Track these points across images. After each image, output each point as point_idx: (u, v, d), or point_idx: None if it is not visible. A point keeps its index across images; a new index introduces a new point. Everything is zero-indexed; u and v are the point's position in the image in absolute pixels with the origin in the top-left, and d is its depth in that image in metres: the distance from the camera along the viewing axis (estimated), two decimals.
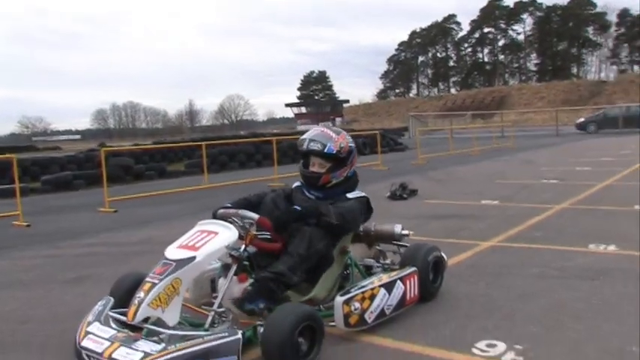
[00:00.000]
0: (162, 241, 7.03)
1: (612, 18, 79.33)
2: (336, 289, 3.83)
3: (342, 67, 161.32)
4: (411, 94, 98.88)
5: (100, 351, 3.02)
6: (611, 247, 5.63)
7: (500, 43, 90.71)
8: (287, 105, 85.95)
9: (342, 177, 3.98)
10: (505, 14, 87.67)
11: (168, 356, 2.83)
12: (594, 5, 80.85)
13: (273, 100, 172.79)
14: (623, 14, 78.31)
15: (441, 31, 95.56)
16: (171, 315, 3.14)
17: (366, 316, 3.59)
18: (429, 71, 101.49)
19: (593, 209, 7.96)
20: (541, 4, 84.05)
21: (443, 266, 4.42)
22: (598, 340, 3.37)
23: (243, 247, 3.52)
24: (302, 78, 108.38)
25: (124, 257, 6.42)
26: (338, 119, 74.72)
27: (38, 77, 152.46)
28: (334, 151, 3.84)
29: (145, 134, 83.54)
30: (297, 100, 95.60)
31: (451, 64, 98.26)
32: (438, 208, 8.76)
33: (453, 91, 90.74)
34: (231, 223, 3.58)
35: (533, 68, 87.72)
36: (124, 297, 3.51)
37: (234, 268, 3.48)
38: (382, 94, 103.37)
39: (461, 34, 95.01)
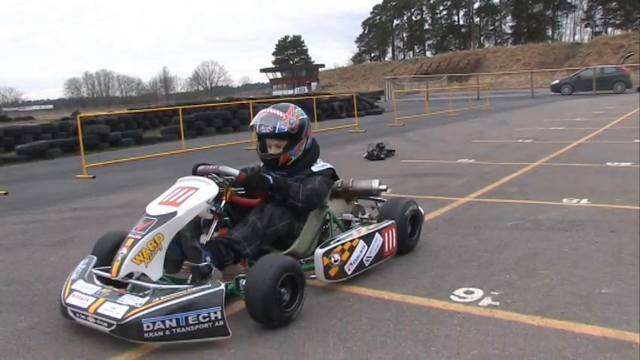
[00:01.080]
0: (143, 204, 7.01)
1: None
2: (315, 243, 3.91)
3: (317, 31, 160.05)
4: (386, 58, 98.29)
5: (85, 306, 3.08)
6: (584, 201, 5.81)
7: (476, 5, 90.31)
8: (262, 70, 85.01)
9: (300, 152, 3.96)
10: None
11: (153, 308, 2.90)
12: None
13: (248, 65, 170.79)
14: None
15: None
16: (155, 270, 3.19)
17: (346, 267, 3.68)
18: (405, 35, 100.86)
19: (567, 166, 8.15)
20: None
21: (420, 219, 4.53)
22: (569, 285, 3.52)
23: (223, 202, 3.56)
24: (277, 43, 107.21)
25: (106, 220, 6.45)
26: (313, 84, 74.32)
27: (6, 46, 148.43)
28: (285, 130, 3.80)
29: (119, 102, 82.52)
30: (272, 66, 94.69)
31: (426, 27, 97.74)
32: (415, 167, 8.87)
33: (428, 54, 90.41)
34: (211, 179, 3.61)
35: (509, 31, 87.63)
36: (106, 255, 3.55)
37: (214, 223, 3.52)
38: (358, 58, 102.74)
39: None
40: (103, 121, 18.40)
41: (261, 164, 4.13)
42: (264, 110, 3.97)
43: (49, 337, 3.24)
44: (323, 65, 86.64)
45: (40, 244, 5.56)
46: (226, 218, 3.64)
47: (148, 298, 3.01)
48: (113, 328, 2.92)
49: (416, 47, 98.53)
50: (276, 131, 3.80)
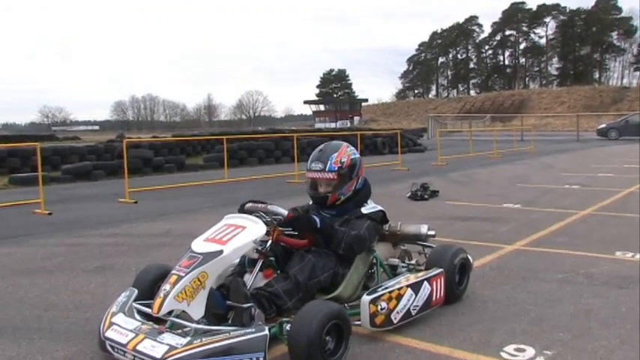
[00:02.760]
0: (183, 234, 7.16)
1: (637, 23, 78.36)
2: (360, 288, 3.82)
3: (361, 65, 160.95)
4: (429, 95, 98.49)
5: (124, 342, 3.02)
6: (639, 256, 5.54)
7: (522, 46, 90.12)
8: (306, 102, 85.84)
9: (350, 191, 3.94)
10: (527, 17, 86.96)
11: (193, 350, 2.80)
12: (619, 10, 79.94)
13: (291, 97, 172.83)
14: None
15: (462, 32, 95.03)
16: (197, 309, 3.11)
17: (392, 316, 3.56)
18: (449, 72, 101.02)
19: (618, 216, 7.85)
20: (565, 7, 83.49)
21: (469, 268, 4.38)
22: (630, 349, 3.30)
23: (269, 242, 3.50)
24: (321, 75, 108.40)
25: (146, 249, 6.43)
26: (356, 118, 74.59)
27: (58, 66, 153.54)
28: (335, 169, 3.81)
29: (163, 127, 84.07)
30: (315, 98, 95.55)
31: (471, 65, 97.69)
32: (459, 210, 8.69)
33: (472, 93, 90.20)
34: (258, 217, 3.55)
35: (555, 72, 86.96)
36: (147, 289, 3.53)
37: (259, 263, 3.46)
38: (401, 94, 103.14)
39: (482, 35, 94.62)
40: (146, 146, 18.70)
41: (310, 202, 4.09)
42: (317, 149, 3.99)
43: None
44: (366, 100, 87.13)
45: (80, 269, 5.55)
46: (272, 258, 3.56)
47: (189, 338, 2.92)
48: None
49: (460, 86, 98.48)
50: (327, 169, 3.81)
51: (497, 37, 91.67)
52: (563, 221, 7.46)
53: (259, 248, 3.43)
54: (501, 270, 5.10)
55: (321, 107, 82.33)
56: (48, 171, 15.74)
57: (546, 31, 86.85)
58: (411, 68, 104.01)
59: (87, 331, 3.74)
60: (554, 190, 10.94)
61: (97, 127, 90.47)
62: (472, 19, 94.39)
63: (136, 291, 3.56)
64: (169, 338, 2.95)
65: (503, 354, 3.25)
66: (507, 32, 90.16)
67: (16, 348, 3.51)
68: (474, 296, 4.32)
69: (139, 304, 3.38)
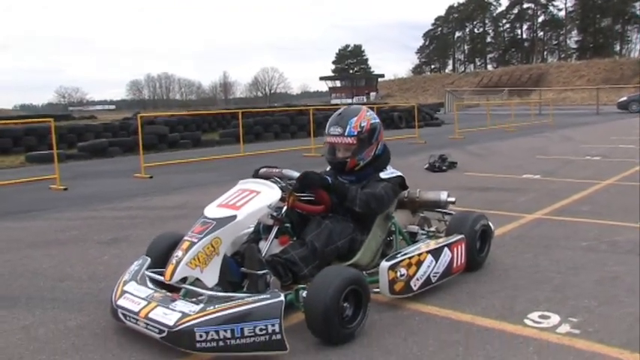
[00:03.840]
0: (199, 206, 6.95)
1: None
2: (379, 255, 3.72)
3: (377, 41, 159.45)
4: (446, 70, 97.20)
5: (136, 310, 2.95)
6: None
7: (540, 19, 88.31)
8: (321, 78, 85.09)
9: (370, 157, 3.80)
10: None
11: (207, 317, 2.72)
12: None
13: (307, 73, 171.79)
14: None
15: (479, 6, 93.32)
16: (210, 275, 3.02)
17: (412, 283, 3.45)
18: (466, 47, 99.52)
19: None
20: None
21: (490, 235, 4.26)
22: None
23: (284, 208, 3.38)
24: (337, 52, 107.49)
25: (161, 220, 6.39)
26: (372, 94, 73.96)
27: (75, 47, 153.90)
28: (355, 133, 3.67)
29: (178, 105, 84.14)
30: (331, 74, 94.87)
31: (488, 40, 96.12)
32: (478, 181, 8.54)
33: (489, 67, 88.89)
34: (273, 182, 3.44)
35: (574, 45, 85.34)
36: (160, 257, 3.44)
37: (275, 229, 3.35)
38: (417, 70, 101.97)
39: (499, 9, 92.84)
40: (162, 122, 18.66)
41: (328, 168, 3.98)
42: (336, 113, 3.85)
43: (98, 339, 3.13)
44: (382, 75, 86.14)
45: (94, 241, 5.53)
46: (287, 225, 3.44)
47: (202, 305, 2.83)
48: (164, 334, 2.76)
49: (477, 60, 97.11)
50: (346, 134, 3.68)
51: (515, 11, 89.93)
52: (584, 191, 7.29)
53: (274, 214, 3.31)
54: (522, 238, 4.97)
55: (337, 83, 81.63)
56: (64, 149, 15.80)
57: (565, 3, 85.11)
58: (427, 43, 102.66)
59: (100, 301, 3.69)
60: (574, 161, 10.73)
61: (113, 107, 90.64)
62: None
63: (149, 259, 3.48)
64: (182, 305, 2.86)
65: (527, 321, 3.14)
66: (525, 5, 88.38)
67: (30, 317, 3.49)
68: (495, 264, 4.21)
69: (152, 271, 3.31)
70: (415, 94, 73.55)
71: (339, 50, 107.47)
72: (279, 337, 2.69)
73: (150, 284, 3.22)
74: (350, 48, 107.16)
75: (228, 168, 11.51)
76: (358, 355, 2.80)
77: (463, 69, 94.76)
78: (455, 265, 3.80)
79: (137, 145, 16.44)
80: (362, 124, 3.72)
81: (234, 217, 3.12)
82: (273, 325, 2.69)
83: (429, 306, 3.44)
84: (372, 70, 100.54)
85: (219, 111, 25.10)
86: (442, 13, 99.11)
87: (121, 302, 3.09)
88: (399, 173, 3.91)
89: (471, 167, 10.21)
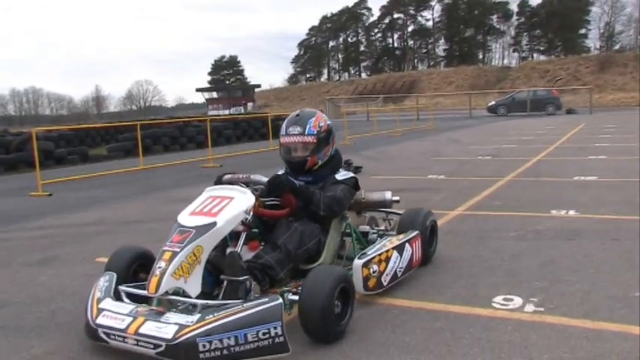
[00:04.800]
0: (119, 221, 6.89)
1: (514, 7, 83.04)
2: (336, 256, 3.84)
3: (252, 52, 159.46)
4: (322, 79, 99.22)
5: (122, 327, 2.83)
6: (572, 212, 5.96)
7: (410, 28, 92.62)
8: (198, 90, 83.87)
9: (327, 157, 3.89)
10: (414, 0, 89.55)
11: (209, 326, 2.68)
12: None
13: (182, 85, 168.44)
14: (523, 4, 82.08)
15: (352, 16, 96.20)
16: (194, 285, 2.97)
17: (383, 278, 3.60)
18: (340, 56, 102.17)
19: (537, 180, 8.38)
20: None
21: (436, 230, 4.53)
22: (602, 289, 3.58)
23: (251, 213, 3.32)
24: (213, 62, 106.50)
25: (83, 238, 6.12)
26: (250, 104, 73.96)
27: None
28: (314, 132, 3.75)
29: (49, 121, 79.43)
30: (208, 85, 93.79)
31: (362, 48, 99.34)
32: (388, 183, 8.87)
33: (363, 75, 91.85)
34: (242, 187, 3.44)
35: (442, 54, 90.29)
36: (123, 271, 3.38)
37: (243, 235, 3.33)
38: (293, 79, 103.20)
39: (371, 19, 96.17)
40: (42, 138, 17.64)
41: (281, 171, 4.01)
42: (292, 114, 3.94)
43: None
44: (259, 85, 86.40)
45: (20, 263, 5.18)
46: (255, 230, 3.45)
47: (199, 315, 2.78)
48: (161, 349, 2.68)
49: (351, 69, 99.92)
50: (306, 132, 3.74)
51: (386, 20, 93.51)
52: (490, 188, 7.84)
53: (242, 219, 3.29)
54: (455, 233, 5.30)
55: (214, 95, 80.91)
56: None
57: (432, 14, 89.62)
58: (302, 53, 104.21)
59: (59, 324, 3.53)
60: (469, 161, 11.46)
61: None
62: (361, 3, 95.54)
63: (115, 274, 3.35)
64: (175, 317, 2.80)
65: (494, 305, 3.41)
66: (395, 15, 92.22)
67: None
68: (442, 257, 4.48)
69: (127, 286, 3.21)
70: (292, 104, 74.39)
71: (215, 61, 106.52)
72: (282, 339, 2.72)
73: (126, 299, 3.13)
74: (225, 59, 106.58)
75: (128, 182, 11.16)
76: (356, 350, 2.90)
77: (338, 77, 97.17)
78: (414, 259, 4.00)
79: (21, 162, 15.66)
80: (320, 124, 3.81)
81: (214, 223, 3.08)
82: (275, 328, 2.71)
83: (399, 299, 3.61)
84: (248, 80, 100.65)
85: (114, 124, 24.21)
86: (316, 22, 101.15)
87: (101, 321, 2.95)
88: (352, 175, 4.02)
89: (375, 171, 10.56)
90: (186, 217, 3.20)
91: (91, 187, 10.67)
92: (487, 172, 9.41)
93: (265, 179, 3.53)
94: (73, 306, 3.81)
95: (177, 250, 2.97)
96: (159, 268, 2.94)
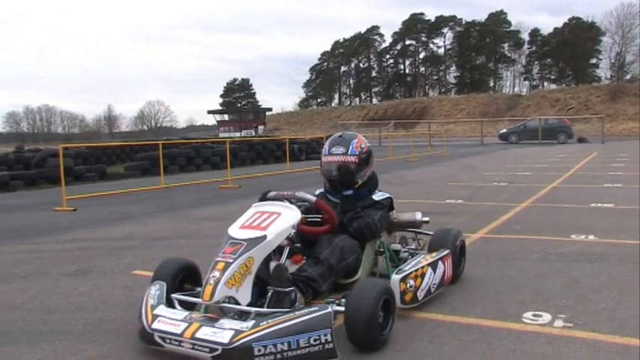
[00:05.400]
0: (148, 237, 7.11)
1: (525, 36, 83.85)
2: (369, 273, 4.02)
3: (263, 75, 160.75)
4: (333, 104, 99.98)
5: (178, 332, 2.99)
6: (591, 237, 6.12)
7: (422, 55, 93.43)
8: (209, 112, 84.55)
9: (366, 177, 4.12)
10: (426, 28, 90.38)
11: (264, 331, 2.85)
12: (509, 23, 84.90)
13: (193, 107, 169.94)
14: (534, 33, 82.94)
15: (364, 41, 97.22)
16: (245, 294, 3.16)
17: (418, 293, 3.79)
18: (351, 81, 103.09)
19: (555, 207, 8.53)
20: (461, 19, 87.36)
21: (465, 250, 4.74)
22: (626, 308, 3.73)
23: (294, 230, 3.52)
24: (225, 85, 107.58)
25: (117, 251, 6.31)
26: (261, 127, 74.49)
27: None
28: (357, 153, 3.99)
29: (61, 139, 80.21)
30: (219, 107, 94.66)
31: (373, 74, 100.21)
32: (408, 206, 9.00)
33: (374, 101, 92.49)
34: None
35: (453, 81, 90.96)
36: (171, 281, 3.57)
37: (287, 249, 3.49)
38: (304, 103, 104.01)
39: (383, 45, 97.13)
40: (67, 154, 18.00)
41: (320, 190, 4.27)
42: (335, 135, 4.21)
43: None
44: (270, 109, 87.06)
45: (57, 273, 5.36)
46: (298, 245, 3.62)
47: (254, 321, 2.95)
48: (217, 353, 2.84)
49: (362, 94, 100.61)
50: (349, 153, 3.99)
51: (398, 47, 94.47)
52: (509, 213, 8.01)
53: (289, 234, 3.47)
54: (479, 254, 5.46)
55: (225, 117, 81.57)
56: None
57: (444, 41, 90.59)
58: (313, 77, 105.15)
59: (107, 330, 3.70)
60: (485, 187, 11.63)
61: None
62: (373, 29, 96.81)
63: (165, 283, 3.54)
64: (230, 323, 2.97)
65: (524, 320, 3.57)
66: (407, 42, 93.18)
67: (40, 350, 3.36)
68: (470, 277, 4.65)
69: (181, 294, 3.43)
70: (303, 128, 74.97)
71: (227, 84, 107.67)
72: (331, 345, 2.88)
73: (179, 307, 3.32)
74: (238, 82, 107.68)
75: (150, 200, 11.39)
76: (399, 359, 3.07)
77: (349, 102, 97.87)
78: (446, 276, 4.19)
79: (41, 178, 15.97)
80: (362, 146, 4.06)
81: (265, 237, 3.28)
82: (325, 335, 2.87)
83: (433, 314, 3.78)
84: (259, 103, 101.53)
85: (137, 142, 24.66)
86: (328, 48, 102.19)
87: (157, 325, 3.12)
88: (388, 195, 4.28)
89: (395, 194, 10.69)
90: (237, 230, 3.40)
91: (115, 204, 10.91)
92: (504, 198, 9.58)
93: (310, 196, 3.76)
94: (117, 314, 4.00)
95: (231, 261, 3.16)
96: (213, 277, 3.12)
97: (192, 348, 2.92)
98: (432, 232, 4.77)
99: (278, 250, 3.50)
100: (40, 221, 9.00)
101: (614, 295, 4.03)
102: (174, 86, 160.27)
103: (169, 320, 3.12)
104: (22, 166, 18.33)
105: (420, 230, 4.88)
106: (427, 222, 4.81)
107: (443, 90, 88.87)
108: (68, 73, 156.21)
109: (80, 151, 21.80)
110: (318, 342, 2.87)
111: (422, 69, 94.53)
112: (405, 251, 4.58)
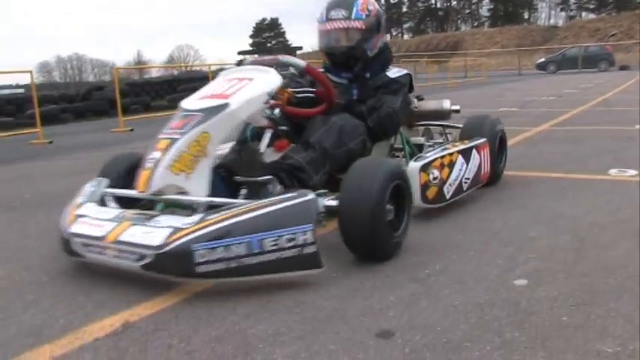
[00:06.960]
0: None
1: None
2: None
3: (292, 14, 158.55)
4: None
5: (99, 235, 2.18)
6: None
7: None
8: (240, 52, 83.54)
9: (377, 49, 3.14)
10: None
11: (209, 228, 2.01)
12: None
13: (221, 50, 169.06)
14: None
15: None
16: (198, 184, 2.27)
17: (445, 189, 2.94)
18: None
19: (610, 110, 8.53)
20: None
21: (506, 143, 3.87)
22: None
23: (278, 108, 2.65)
24: (254, 25, 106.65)
25: None
26: None
27: None
28: (363, 16, 3.00)
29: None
30: (249, 48, 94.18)
31: (404, 9, 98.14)
32: (466, 113, 9.10)
33: (406, 37, 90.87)
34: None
35: (486, 14, 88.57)
36: (121, 178, 2.62)
37: (268, 133, 2.64)
38: None
39: None
40: (110, 89, 18.34)
41: (323, 66, 3.33)
42: None
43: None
44: (301, 48, 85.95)
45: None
46: (283, 127, 2.69)
47: (200, 215, 2.10)
48: (147, 261, 2.02)
49: (393, 30, 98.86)
50: (353, 17, 3.00)
51: None
52: (567, 114, 8.04)
53: (268, 115, 2.60)
54: (549, 138, 5.63)
55: (256, 57, 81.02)
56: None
57: None
58: None
59: None
60: (535, 100, 11.57)
61: (21, 91, 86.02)
62: None
63: (107, 180, 2.61)
64: (169, 220, 2.16)
65: (611, 173, 3.75)
66: None
67: None
68: (544, 150, 4.82)
69: (116, 190, 2.55)
70: None
71: (256, 24, 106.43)
72: (313, 249, 2.03)
73: (113, 204, 2.47)
74: (267, 21, 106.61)
75: None
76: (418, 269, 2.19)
77: None
78: (482, 171, 3.32)
79: (89, 111, 16.38)
80: (369, 7, 3.06)
81: (226, 105, 2.36)
82: (304, 234, 2.02)
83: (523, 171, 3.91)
84: (290, 43, 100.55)
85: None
86: None
87: (76, 228, 2.29)
88: (407, 71, 3.33)
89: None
90: (193, 101, 2.49)
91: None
92: (558, 105, 9.58)
93: (299, 60, 2.86)
94: None
95: (177, 137, 2.27)
96: (151, 159, 2.23)
97: (117, 256, 2.13)
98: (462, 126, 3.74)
99: (257, 136, 2.71)
100: (103, 139, 9.29)
101: None
102: (203, 30, 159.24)
103: (93, 221, 2.30)
104: (67, 102, 18.71)
105: (447, 124, 3.88)
106: (458, 111, 3.87)
107: (476, 24, 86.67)
108: (96, 21, 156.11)
109: (121, 88, 22.08)
110: (292, 243, 2.01)
111: (454, 2, 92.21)
112: (430, 145, 3.53)
